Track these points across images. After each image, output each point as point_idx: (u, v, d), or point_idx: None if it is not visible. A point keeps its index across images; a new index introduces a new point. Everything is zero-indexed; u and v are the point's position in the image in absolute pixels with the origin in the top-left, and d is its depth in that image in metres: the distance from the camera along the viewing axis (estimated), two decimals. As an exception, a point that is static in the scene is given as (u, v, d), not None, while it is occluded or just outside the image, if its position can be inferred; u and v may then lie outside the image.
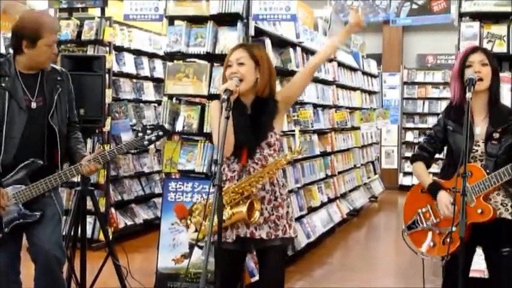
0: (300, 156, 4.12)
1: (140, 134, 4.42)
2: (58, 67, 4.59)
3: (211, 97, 6.23)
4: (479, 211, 3.89)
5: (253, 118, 3.93)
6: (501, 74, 4.26)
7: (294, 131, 7.77)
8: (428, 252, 4.12)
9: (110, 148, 4.66)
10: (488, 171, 3.90)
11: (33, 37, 4.17)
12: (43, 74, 4.35)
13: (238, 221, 3.84)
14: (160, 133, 4.43)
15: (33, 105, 4.26)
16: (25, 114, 4.21)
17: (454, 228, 3.78)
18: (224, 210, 3.77)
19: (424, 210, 4.17)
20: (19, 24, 4.24)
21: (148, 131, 4.41)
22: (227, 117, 3.57)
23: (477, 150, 3.98)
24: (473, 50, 4.05)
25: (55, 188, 4.38)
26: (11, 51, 4.34)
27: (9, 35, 4.51)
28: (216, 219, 3.43)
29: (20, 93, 4.22)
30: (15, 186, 4.19)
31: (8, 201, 4.12)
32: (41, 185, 4.23)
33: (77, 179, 4.97)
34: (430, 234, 4.13)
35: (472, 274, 4.28)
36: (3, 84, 4.18)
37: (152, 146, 5.63)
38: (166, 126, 6.27)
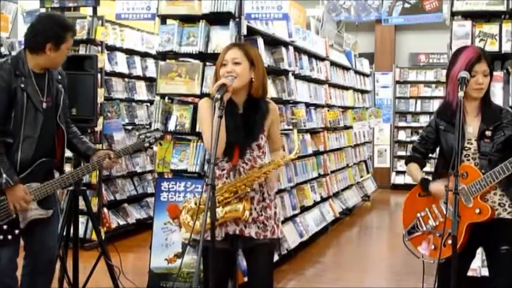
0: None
1: (142, 137, 4.78)
2: None
3: (204, 96, 6.21)
4: (477, 211, 3.89)
5: (245, 117, 3.92)
6: (493, 73, 4.26)
7: (287, 130, 7.78)
8: (430, 255, 4.11)
9: (118, 149, 4.85)
10: (483, 170, 3.90)
11: (58, 40, 4.28)
12: (49, 74, 4.42)
13: (230, 219, 3.84)
14: (157, 135, 4.84)
15: (44, 105, 4.34)
16: (41, 114, 4.30)
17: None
18: (217, 209, 3.78)
19: (423, 214, 4.17)
20: (44, 26, 4.30)
21: (148, 134, 4.79)
22: (220, 116, 3.56)
23: (470, 149, 3.98)
24: (478, 58, 3.98)
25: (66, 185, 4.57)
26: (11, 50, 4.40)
27: (5, 34, 4.54)
28: (208, 218, 3.43)
29: (35, 94, 4.29)
30: (31, 184, 4.27)
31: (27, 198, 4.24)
32: (55, 183, 4.35)
33: None
34: (430, 237, 4.12)
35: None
36: (22, 85, 4.23)
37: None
38: (159, 125, 6.30)
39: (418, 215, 4.19)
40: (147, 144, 4.76)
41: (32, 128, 4.25)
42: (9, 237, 4.23)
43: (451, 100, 4.03)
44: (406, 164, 4.33)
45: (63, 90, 4.50)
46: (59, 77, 4.50)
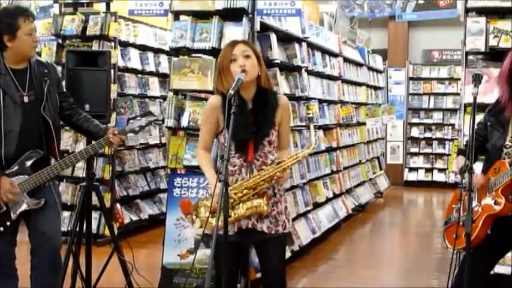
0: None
1: (131, 121, 4.75)
2: (43, 59, 4.76)
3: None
4: (493, 202, 3.88)
5: (255, 113, 3.94)
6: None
7: (299, 126, 7.77)
8: (452, 243, 4.10)
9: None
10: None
11: (11, 29, 4.32)
12: (31, 68, 4.49)
13: (253, 214, 3.86)
14: (150, 119, 4.77)
15: (26, 99, 4.42)
16: (20, 108, 4.37)
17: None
18: (238, 206, 3.83)
19: (458, 206, 4.15)
20: None
21: (138, 117, 4.77)
22: (234, 113, 3.58)
23: (511, 146, 3.96)
24: None
25: (53, 179, 4.56)
26: None
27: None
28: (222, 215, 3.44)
29: (13, 89, 4.38)
30: (19, 176, 4.36)
31: (14, 190, 4.32)
32: (43, 174, 4.41)
33: (82, 174, 5.10)
34: (456, 226, 4.10)
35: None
36: None
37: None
38: (172, 121, 6.30)
39: (454, 206, 4.19)
40: (137, 129, 4.71)
41: (13, 122, 4.33)
42: (1, 229, 4.35)
43: (499, 97, 4.02)
44: (457, 156, 4.30)
45: (51, 82, 4.54)
46: (46, 70, 4.55)
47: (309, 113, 3.72)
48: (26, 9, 4.49)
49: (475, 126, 4.19)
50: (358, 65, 12.04)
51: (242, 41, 4.09)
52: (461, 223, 4.04)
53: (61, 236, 4.57)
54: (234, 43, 4.02)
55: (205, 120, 4.08)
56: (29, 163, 4.38)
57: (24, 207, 4.39)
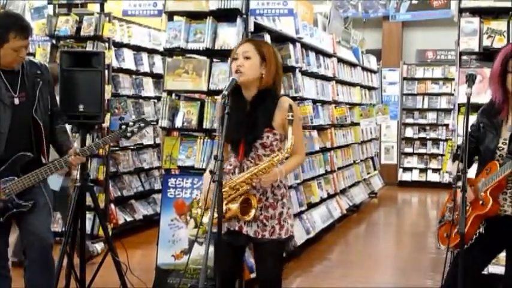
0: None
1: (123, 127, 4.74)
2: (36, 60, 4.78)
3: (211, 93, 6.23)
4: (481, 202, 3.89)
5: (249, 114, 3.91)
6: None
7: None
8: (443, 243, 4.11)
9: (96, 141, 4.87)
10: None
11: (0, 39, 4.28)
12: (23, 69, 4.46)
13: (233, 217, 3.84)
14: (142, 124, 4.79)
15: (16, 101, 4.39)
16: (10, 110, 4.34)
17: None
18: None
19: (451, 205, 4.16)
20: None
21: (131, 123, 4.76)
22: (228, 113, 3.58)
23: (503, 148, 3.95)
24: None
25: (44, 179, 4.52)
26: None
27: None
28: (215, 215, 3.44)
29: (3, 90, 4.35)
30: (8, 178, 4.35)
31: (2, 192, 4.31)
32: (32, 176, 4.39)
33: (76, 174, 5.09)
34: (449, 226, 4.11)
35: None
36: None
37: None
38: (166, 122, 6.30)
39: (448, 205, 4.20)
40: (129, 134, 4.72)
41: (2, 124, 4.31)
42: None
43: (493, 98, 4.02)
44: (453, 161, 4.30)
45: (43, 83, 4.51)
46: (38, 71, 4.53)
47: (288, 115, 3.66)
48: (24, 26, 4.36)
49: (469, 129, 4.20)
50: (352, 65, 12.05)
51: (250, 41, 4.08)
52: (454, 223, 4.06)
53: (52, 236, 4.57)
54: (242, 42, 4.05)
55: (217, 119, 4.05)
56: (18, 165, 4.37)
57: (12, 209, 4.37)
